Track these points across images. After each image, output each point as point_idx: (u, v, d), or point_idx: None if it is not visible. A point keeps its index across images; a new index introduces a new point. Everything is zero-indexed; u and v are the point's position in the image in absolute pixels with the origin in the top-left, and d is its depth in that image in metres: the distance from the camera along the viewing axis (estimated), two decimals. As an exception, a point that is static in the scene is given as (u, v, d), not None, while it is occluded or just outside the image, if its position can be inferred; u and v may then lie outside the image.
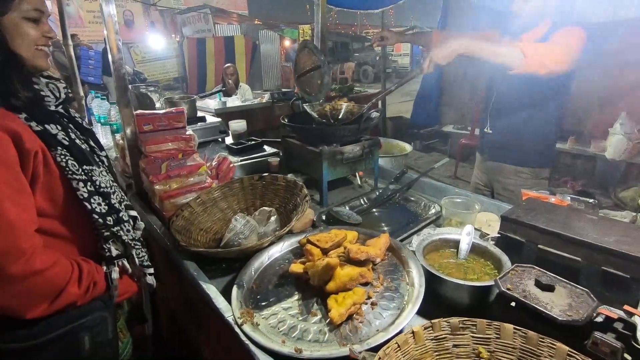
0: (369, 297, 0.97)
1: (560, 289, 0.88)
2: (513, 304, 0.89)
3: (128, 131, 1.69)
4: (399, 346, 0.76)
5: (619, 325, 0.78)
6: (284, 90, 4.66)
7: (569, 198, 1.33)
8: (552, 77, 1.47)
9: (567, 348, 0.74)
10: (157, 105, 2.61)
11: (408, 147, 3.55)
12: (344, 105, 1.81)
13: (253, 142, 2.44)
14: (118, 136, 2.15)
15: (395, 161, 3.28)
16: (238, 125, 2.57)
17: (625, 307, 0.77)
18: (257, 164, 2.20)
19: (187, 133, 1.74)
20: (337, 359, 0.80)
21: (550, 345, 0.76)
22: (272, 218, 1.37)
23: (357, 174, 1.97)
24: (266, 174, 1.60)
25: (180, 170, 1.53)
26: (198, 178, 1.57)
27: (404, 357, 0.77)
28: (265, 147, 2.47)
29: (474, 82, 5.64)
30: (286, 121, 1.84)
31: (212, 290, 1.07)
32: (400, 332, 0.85)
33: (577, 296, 0.86)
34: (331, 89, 5.15)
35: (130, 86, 1.77)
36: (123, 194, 1.18)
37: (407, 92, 8.36)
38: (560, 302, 0.84)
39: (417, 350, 0.78)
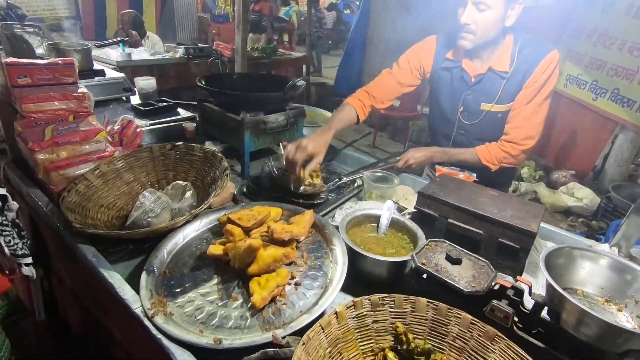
0: (292, 277, 0.95)
1: (466, 261, 0.97)
2: (425, 275, 0.96)
3: (-5, 82, 1.36)
4: (322, 329, 0.76)
5: (511, 292, 0.89)
6: (200, 45, 4.21)
7: (475, 175, 1.46)
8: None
9: (470, 317, 0.81)
10: (39, 51, 2.14)
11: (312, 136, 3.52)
12: None
13: (165, 104, 2.17)
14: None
15: (319, 131, 3.25)
16: (146, 83, 2.25)
17: (518, 278, 0.87)
18: (169, 129, 1.98)
19: (80, 90, 1.46)
20: (260, 345, 0.76)
21: (457, 315, 0.83)
22: (188, 193, 1.25)
23: (281, 144, 1.90)
24: (180, 142, 1.44)
25: (71, 136, 1.29)
26: (95, 145, 1.34)
27: (327, 338, 0.77)
28: (179, 110, 2.23)
29: (396, 52, 5.83)
30: (203, 83, 1.66)
31: (115, 278, 0.94)
32: (324, 312, 0.85)
33: (479, 267, 0.95)
34: (253, 48, 4.84)
35: (-2, 24, 1.40)
36: None
37: (335, 55, 8.29)
38: (466, 274, 0.92)
39: (339, 330, 0.79)
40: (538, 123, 1.48)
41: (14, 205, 0.98)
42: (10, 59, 1.34)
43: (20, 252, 0.97)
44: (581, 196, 3.74)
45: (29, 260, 1.00)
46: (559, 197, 3.82)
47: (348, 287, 0.99)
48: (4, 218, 0.93)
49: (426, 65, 1.67)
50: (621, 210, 3.33)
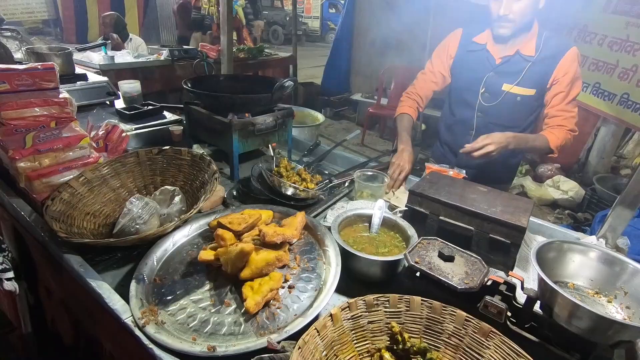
0: (286, 280, 0.95)
1: (459, 258, 0.97)
2: (418, 274, 0.96)
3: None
4: (317, 332, 0.75)
5: (503, 288, 0.89)
6: (185, 47, 4.15)
7: (464, 171, 1.47)
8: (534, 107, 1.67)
9: (465, 314, 0.81)
10: (17, 56, 2.08)
11: (321, 117, 3.55)
12: None
13: (150, 107, 2.14)
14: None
15: (308, 131, 3.26)
16: (130, 86, 2.21)
17: (510, 273, 0.88)
18: (155, 133, 1.95)
19: (62, 96, 1.42)
20: (255, 351, 0.75)
21: (451, 312, 0.83)
22: (176, 198, 1.23)
23: (270, 145, 1.88)
24: (167, 147, 1.41)
25: (53, 142, 1.25)
26: (79, 152, 1.31)
27: (322, 341, 0.76)
28: (166, 113, 2.19)
29: (382, 52, 5.86)
30: (190, 86, 1.63)
31: (104, 288, 0.92)
32: (319, 315, 0.84)
33: (472, 264, 0.95)
34: (239, 49, 4.79)
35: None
36: None
37: (322, 54, 8.28)
38: (459, 270, 0.93)
39: (335, 332, 0.79)
40: (576, 115, 1.59)
41: (-7, 217, 0.94)
42: (-13, 65, 1.29)
43: (0, 267, 0.94)
44: (567, 189, 3.81)
45: (10, 274, 0.97)
46: (546, 190, 3.89)
47: (342, 288, 0.99)
48: None
49: (452, 51, 1.75)
50: (605, 202, 3.41)
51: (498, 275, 0.92)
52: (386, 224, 1.21)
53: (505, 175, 1.89)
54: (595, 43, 3.68)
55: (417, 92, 1.86)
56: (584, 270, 0.90)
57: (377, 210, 1.21)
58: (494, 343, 0.78)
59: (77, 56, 3.08)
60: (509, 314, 0.87)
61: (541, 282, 0.81)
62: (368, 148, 5.36)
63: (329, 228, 1.12)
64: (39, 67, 1.37)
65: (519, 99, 1.61)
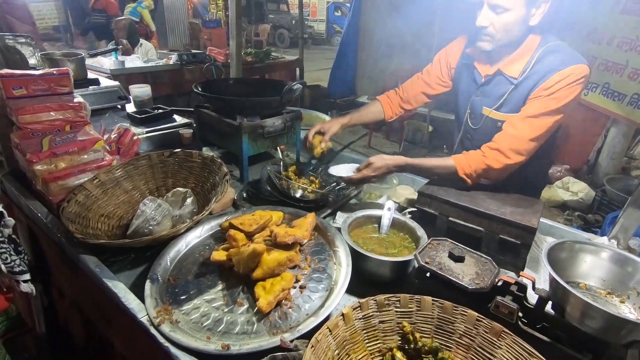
0: (297, 281, 0.96)
1: (469, 258, 0.97)
2: (429, 274, 0.97)
3: (-10, 95, 1.34)
4: (330, 331, 0.76)
5: (514, 288, 0.89)
6: (194, 51, 4.20)
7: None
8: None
9: (476, 314, 0.82)
10: (32, 62, 2.12)
11: (328, 119, 3.56)
12: None
13: (160, 111, 2.17)
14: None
15: (315, 133, 3.27)
16: (141, 90, 2.25)
17: (521, 273, 0.88)
18: (166, 136, 1.97)
19: (76, 100, 1.45)
20: (268, 350, 0.77)
21: (462, 312, 0.83)
22: (188, 200, 1.25)
23: (278, 147, 1.90)
24: (179, 149, 1.43)
25: (69, 146, 1.28)
26: (94, 155, 1.33)
27: (334, 340, 0.77)
28: (175, 116, 2.22)
29: (388, 55, 5.87)
30: (200, 90, 1.66)
31: (119, 287, 0.94)
32: (330, 314, 0.85)
33: (482, 264, 0.96)
34: (247, 53, 4.84)
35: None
36: None
37: (328, 57, 8.30)
38: (469, 271, 0.93)
39: (346, 332, 0.80)
40: (530, 138, 1.24)
41: (10, 221, 0.97)
42: (5, 71, 1.33)
43: (17, 269, 0.96)
44: (576, 190, 3.77)
45: (27, 276, 0.99)
46: (555, 191, 3.85)
47: (352, 289, 0.99)
48: (0, 235, 0.92)
49: (452, 61, 1.56)
50: (616, 203, 3.36)
51: (509, 275, 0.92)
52: (396, 225, 1.22)
53: (537, 180, 1.61)
54: (604, 43, 3.65)
55: (404, 93, 1.71)
56: (596, 271, 0.90)
57: (386, 211, 1.22)
58: (506, 343, 0.78)
59: (88, 61, 3.13)
60: (520, 314, 0.87)
61: (553, 282, 0.81)
62: (375, 150, 5.36)
63: (339, 229, 1.13)
64: (55, 72, 1.41)
65: (499, 125, 1.35)
